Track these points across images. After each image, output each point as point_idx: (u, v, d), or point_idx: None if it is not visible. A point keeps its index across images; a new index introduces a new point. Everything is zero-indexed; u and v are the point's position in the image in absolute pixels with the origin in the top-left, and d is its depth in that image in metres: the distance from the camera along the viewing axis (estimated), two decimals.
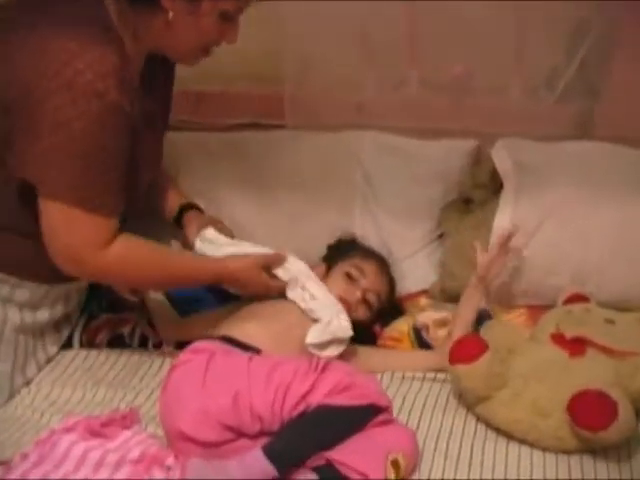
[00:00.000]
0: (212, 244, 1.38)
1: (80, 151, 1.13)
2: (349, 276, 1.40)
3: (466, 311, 1.38)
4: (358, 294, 1.39)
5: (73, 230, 1.17)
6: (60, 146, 1.12)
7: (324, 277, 1.41)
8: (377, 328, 1.48)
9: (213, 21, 1.18)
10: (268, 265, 1.33)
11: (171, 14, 1.15)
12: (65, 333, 1.45)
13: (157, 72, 1.30)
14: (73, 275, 1.26)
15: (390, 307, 1.48)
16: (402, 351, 1.42)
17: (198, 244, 1.39)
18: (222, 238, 1.40)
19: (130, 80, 1.16)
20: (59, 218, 1.17)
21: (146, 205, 1.39)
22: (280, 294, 1.35)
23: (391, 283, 1.49)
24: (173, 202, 1.48)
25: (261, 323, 1.30)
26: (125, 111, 1.14)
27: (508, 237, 1.39)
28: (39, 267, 1.26)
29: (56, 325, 1.41)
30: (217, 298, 1.46)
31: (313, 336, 1.25)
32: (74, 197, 1.15)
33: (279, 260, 1.34)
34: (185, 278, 1.32)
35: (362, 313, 1.40)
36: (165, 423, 1.17)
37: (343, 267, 1.41)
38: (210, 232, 1.40)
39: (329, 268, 1.44)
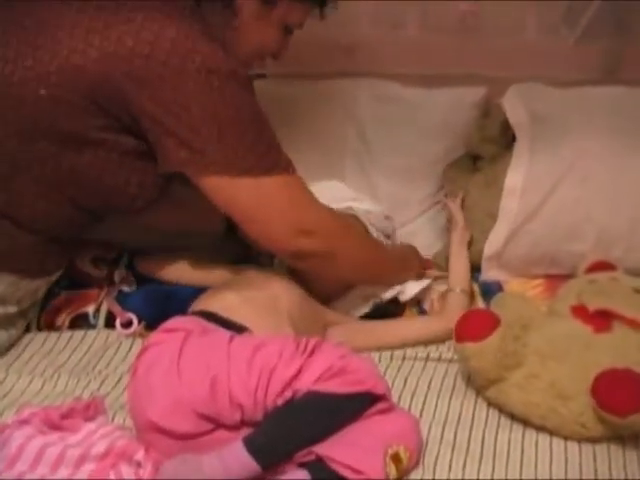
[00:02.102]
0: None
1: (246, 123, 1.19)
2: None
3: (459, 269, 1.42)
4: None
5: (288, 198, 1.21)
6: (227, 126, 1.17)
7: None
8: None
9: (276, 33, 1.30)
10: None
11: (238, 19, 1.26)
12: (30, 318, 1.44)
13: None
14: (304, 252, 1.24)
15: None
16: (397, 320, 1.43)
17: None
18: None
19: None
20: (265, 195, 1.19)
21: None
22: None
23: None
24: None
25: (243, 294, 1.29)
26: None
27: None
28: (28, 260, 1.29)
29: (23, 313, 1.41)
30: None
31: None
32: (266, 166, 1.19)
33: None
34: (384, 256, 1.39)
35: None
36: (134, 412, 1.15)
37: None
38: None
39: None
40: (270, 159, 1.20)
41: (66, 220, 1.29)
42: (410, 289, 1.40)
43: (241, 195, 1.20)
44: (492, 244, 1.47)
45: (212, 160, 1.17)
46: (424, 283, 1.41)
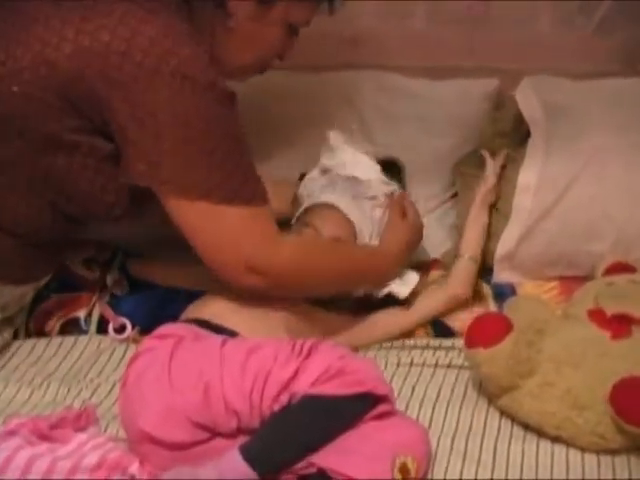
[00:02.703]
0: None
1: (215, 141, 1.15)
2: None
3: (471, 235, 1.43)
4: None
5: (243, 232, 1.17)
6: (194, 140, 1.13)
7: None
8: None
9: (278, 32, 1.26)
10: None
11: (234, 20, 1.21)
12: (17, 324, 1.44)
13: None
14: (251, 288, 1.22)
15: None
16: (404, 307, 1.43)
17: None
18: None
19: None
20: (220, 224, 1.16)
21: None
22: None
23: None
24: None
25: (236, 301, 1.29)
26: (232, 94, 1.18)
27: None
28: (11, 266, 1.28)
29: (9, 320, 1.40)
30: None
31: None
32: (227, 194, 1.15)
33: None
34: (361, 265, 1.34)
35: None
36: (126, 422, 1.15)
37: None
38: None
39: None
40: (235, 185, 1.15)
41: (48, 224, 1.27)
42: (403, 289, 1.37)
43: (198, 221, 1.17)
44: (505, 243, 1.47)
45: (170, 177, 1.14)
46: (414, 278, 1.39)
